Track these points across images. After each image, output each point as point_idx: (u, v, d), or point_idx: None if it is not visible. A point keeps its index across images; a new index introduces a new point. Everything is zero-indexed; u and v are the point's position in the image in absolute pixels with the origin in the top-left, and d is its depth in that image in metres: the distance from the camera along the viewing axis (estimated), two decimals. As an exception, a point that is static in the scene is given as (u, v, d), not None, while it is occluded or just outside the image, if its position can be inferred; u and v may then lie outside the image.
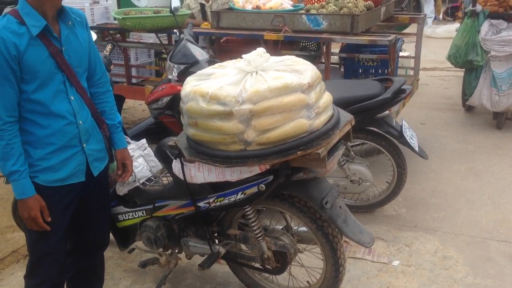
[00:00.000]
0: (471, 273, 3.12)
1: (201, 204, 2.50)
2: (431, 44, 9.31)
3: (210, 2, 5.46)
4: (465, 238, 3.50)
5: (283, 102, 2.08)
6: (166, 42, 5.26)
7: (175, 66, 3.59)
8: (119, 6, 5.84)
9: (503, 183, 4.31)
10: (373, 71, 4.75)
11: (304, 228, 2.63)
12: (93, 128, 2.25)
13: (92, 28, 4.85)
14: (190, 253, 2.81)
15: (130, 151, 2.59)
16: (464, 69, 5.78)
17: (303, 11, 4.50)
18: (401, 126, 3.58)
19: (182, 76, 3.37)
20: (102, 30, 5.24)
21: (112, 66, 3.41)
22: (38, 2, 2.00)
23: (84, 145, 2.19)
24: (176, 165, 2.44)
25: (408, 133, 3.62)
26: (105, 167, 2.36)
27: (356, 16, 4.11)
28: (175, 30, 4.30)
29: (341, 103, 2.95)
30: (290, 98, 2.09)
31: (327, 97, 2.28)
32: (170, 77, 3.65)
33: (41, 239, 2.18)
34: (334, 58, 5.30)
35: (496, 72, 5.30)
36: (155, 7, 5.61)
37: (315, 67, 2.27)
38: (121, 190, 2.73)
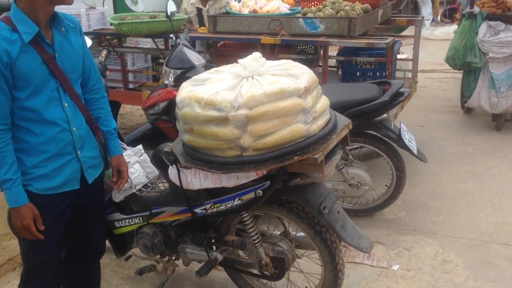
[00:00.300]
0: (472, 277, 3.10)
1: (198, 210, 2.48)
2: (429, 46, 9.32)
3: (207, 7, 5.45)
4: (465, 242, 3.48)
5: (279, 107, 2.06)
6: (163, 47, 5.25)
7: (172, 71, 3.57)
8: (115, 12, 5.84)
9: (503, 185, 4.29)
10: (371, 74, 4.73)
11: (302, 234, 2.61)
12: (88, 135, 2.22)
13: (89, 33, 4.85)
14: (188, 259, 2.79)
15: (126, 157, 2.57)
16: (462, 71, 5.77)
17: (300, 15, 4.50)
18: (400, 129, 3.56)
19: (179, 81, 3.33)
20: (98, 35, 5.23)
21: (107, 72, 3.39)
22: (31, 9, 1.98)
23: (79, 152, 2.16)
24: (172, 171, 2.41)
25: (407, 136, 3.60)
26: (100, 174, 2.34)
27: (353, 19, 4.10)
28: (171, 35, 4.29)
29: (338, 106, 2.94)
30: (286, 103, 2.07)
31: (324, 101, 2.26)
32: (166, 82, 3.63)
33: (35, 248, 2.16)
34: (332, 62, 5.28)
35: (494, 73, 5.29)
36: (152, 11, 5.61)
37: (311, 71, 2.25)
38: (117, 196, 2.70)
